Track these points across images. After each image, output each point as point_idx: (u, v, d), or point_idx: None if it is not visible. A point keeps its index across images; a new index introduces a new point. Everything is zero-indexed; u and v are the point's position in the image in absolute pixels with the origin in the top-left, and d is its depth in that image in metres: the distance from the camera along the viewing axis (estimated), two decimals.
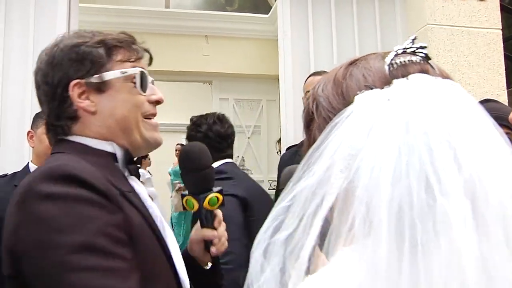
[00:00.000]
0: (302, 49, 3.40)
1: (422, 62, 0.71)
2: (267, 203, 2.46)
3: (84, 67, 1.18)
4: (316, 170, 0.66)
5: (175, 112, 7.76)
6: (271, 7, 5.61)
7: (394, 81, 0.68)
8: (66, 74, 1.18)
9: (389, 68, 0.70)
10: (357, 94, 0.69)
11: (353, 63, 0.76)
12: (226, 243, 1.35)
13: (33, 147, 2.56)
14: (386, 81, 0.69)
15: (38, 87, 1.23)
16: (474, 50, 3.37)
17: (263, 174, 5.84)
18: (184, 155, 1.34)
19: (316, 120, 0.75)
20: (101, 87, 1.19)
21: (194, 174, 1.30)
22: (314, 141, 0.69)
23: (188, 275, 1.28)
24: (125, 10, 5.36)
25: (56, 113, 1.20)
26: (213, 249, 1.32)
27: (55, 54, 1.20)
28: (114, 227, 0.99)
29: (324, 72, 2.91)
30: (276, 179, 3.03)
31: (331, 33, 3.43)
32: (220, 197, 1.31)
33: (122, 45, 1.22)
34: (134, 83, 1.21)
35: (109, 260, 0.95)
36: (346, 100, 0.71)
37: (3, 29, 2.98)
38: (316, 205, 0.65)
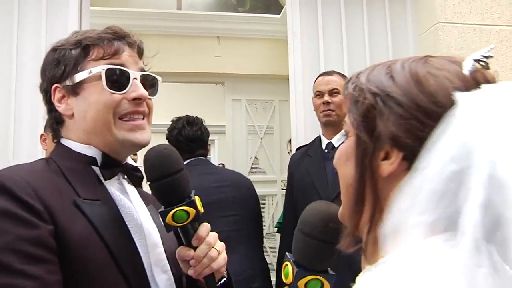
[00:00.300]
0: (312, 49, 3.38)
1: (483, 68, 0.78)
2: (216, 202, 2.64)
3: (59, 70, 1.17)
4: (434, 163, 0.70)
5: (188, 113, 7.77)
6: (282, 8, 5.60)
7: (483, 86, 0.74)
8: (48, 79, 1.20)
9: (470, 73, 0.77)
10: (451, 95, 0.74)
11: (416, 61, 0.81)
12: (216, 264, 1.16)
13: (46, 150, 2.60)
14: (469, 85, 0.75)
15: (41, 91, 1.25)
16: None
17: (276, 174, 5.83)
18: (143, 163, 1.14)
19: (385, 114, 0.77)
20: (75, 90, 1.16)
21: (153, 184, 1.12)
22: (382, 134, 0.76)
23: None
24: (136, 13, 5.39)
25: (49, 117, 1.23)
26: (190, 271, 1.15)
27: (43, 60, 1.22)
28: (27, 242, 0.93)
29: (334, 72, 2.91)
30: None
31: (341, 33, 3.42)
32: (192, 210, 1.11)
33: (97, 43, 1.17)
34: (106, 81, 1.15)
35: (11, 278, 0.90)
36: (435, 99, 0.75)
37: (15, 32, 3.02)
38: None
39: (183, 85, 8.48)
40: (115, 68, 1.16)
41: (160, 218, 1.11)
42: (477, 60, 0.78)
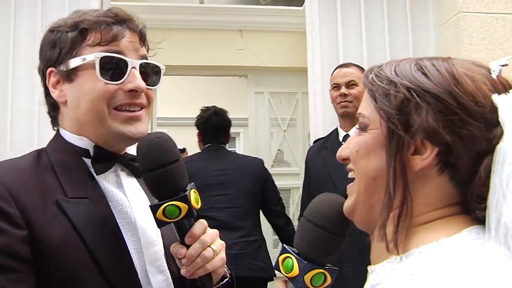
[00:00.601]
0: (331, 41, 3.36)
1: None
2: (215, 183, 3.14)
3: (54, 54, 1.10)
4: None
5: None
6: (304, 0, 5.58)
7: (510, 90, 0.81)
8: (44, 62, 1.13)
9: (497, 77, 0.83)
10: (489, 96, 0.79)
11: (445, 60, 0.84)
12: (211, 265, 1.07)
13: None
14: (498, 88, 0.81)
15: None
16: (510, 38, 3.25)
17: (299, 167, 5.83)
18: (136, 152, 1.08)
19: (422, 109, 0.79)
20: (70, 76, 1.09)
21: (144, 175, 1.05)
22: (417, 128, 0.79)
23: None
24: (158, 7, 5.43)
25: (45, 100, 1.17)
26: (182, 271, 1.07)
27: (42, 40, 1.15)
28: None
29: (351, 64, 2.89)
30: None
31: (360, 24, 3.38)
32: (184, 206, 1.02)
33: (95, 27, 1.08)
34: (101, 69, 1.07)
35: None
36: (476, 99, 0.78)
37: (40, 25, 3.07)
38: None
39: (207, 79, 8.54)
40: (111, 56, 1.07)
41: (151, 212, 1.03)
42: (502, 65, 0.83)
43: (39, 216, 0.96)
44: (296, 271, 0.93)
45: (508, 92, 0.81)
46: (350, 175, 0.94)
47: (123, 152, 1.17)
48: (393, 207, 0.82)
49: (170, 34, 5.66)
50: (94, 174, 1.09)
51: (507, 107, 0.78)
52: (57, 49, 1.09)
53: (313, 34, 3.35)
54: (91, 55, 1.06)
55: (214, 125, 3.45)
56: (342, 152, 0.94)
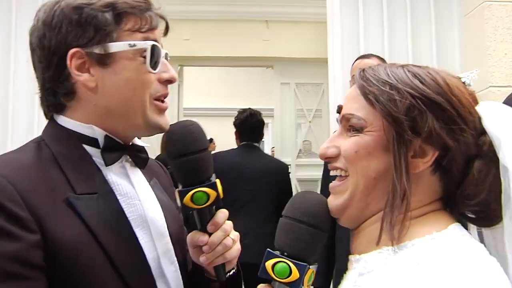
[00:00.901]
0: (352, 32, 3.33)
1: None
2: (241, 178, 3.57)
3: (86, 33, 1.00)
4: None
5: (237, 97, 7.87)
6: None
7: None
8: (64, 40, 1.01)
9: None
10: (474, 107, 0.91)
11: (424, 68, 0.93)
12: (229, 254, 1.08)
13: None
14: (473, 99, 0.92)
15: (32, 50, 1.06)
16: None
17: None
18: (166, 138, 1.07)
19: (428, 116, 0.86)
20: (104, 60, 1.01)
21: (175, 160, 1.05)
22: (422, 133, 0.86)
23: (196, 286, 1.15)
24: None
25: (51, 86, 1.04)
26: (202, 258, 1.06)
27: (54, 13, 1.02)
28: (5, 259, 0.86)
29: (372, 55, 2.86)
30: None
31: (382, 15, 3.34)
32: (212, 193, 1.03)
33: (133, 11, 1.02)
34: (144, 58, 1.02)
35: None
36: (469, 109, 0.89)
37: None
38: None
39: (233, 69, 8.58)
40: (156, 45, 1.04)
41: (178, 197, 1.03)
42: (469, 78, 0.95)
43: (50, 217, 0.92)
44: (296, 275, 0.91)
45: (477, 104, 0.92)
46: (335, 173, 0.96)
47: (131, 143, 1.13)
48: (396, 204, 0.87)
49: (197, 25, 5.71)
50: (100, 166, 1.04)
51: (490, 117, 0.90)
52: (90, 29, 1.00)
53: (334, 25, 3.33)
54: (142, 42, 1.02)
55: (249, 126, 3.89)
56: (328, 151, 0.96)
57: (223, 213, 1.08)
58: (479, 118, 0.90)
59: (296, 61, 5.81)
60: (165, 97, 1.09)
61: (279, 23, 5.79)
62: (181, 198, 1.02)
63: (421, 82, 0.89)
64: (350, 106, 0.93)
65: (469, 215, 0.93)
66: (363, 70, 0.96)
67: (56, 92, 1.05)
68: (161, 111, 1.07)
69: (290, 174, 4.12)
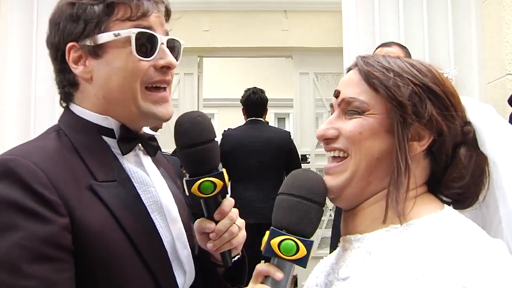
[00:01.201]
0: (367, 21, 3.33)
1: None
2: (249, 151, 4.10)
3: (78, 27, 1.04)
4: None
5: (261, 87, 7.86)
6: None
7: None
8: (63, 36, 1.06)
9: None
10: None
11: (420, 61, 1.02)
12: (236, 240, 1.12)
13: None
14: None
15: (47, 46, 1.14)
16: None
17: None
18: (174, 129, 1.10)
19: (427, 103, 0.94)
20: (96, 51, 1.05)
21: (183, 150, 1.08)
22: (422, 118, 0.93)
23: (203, 272, 1.19)
24: None
25: (59, 77, 1.11)
26: (209, 245, 1.11)
27: (56, 11, 1.09)
28: (37, 240, 0.89)
29: (393, 43, 2.83)
30: None
31: (398, 3, 3.32)
32: (219, 182, 1.07)
33: (123, 1, 1.04)
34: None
35: (16, 278, 0.86)
36: (458, 100, 0.99)
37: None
38: None
39: (252, 60, 8.60)
40: (145, 32, 1.04)
41: (186, 187, 1.07)
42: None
43: (77, 202, 0.96)
44: (303, 251, 0.92)
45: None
46: (333, 154, 1.00)
47: (143, 132, 1.17)
48: (401, 182, 0.93)
49: (216, 17, 5.74)
50: (117, 155, 1.09)
51: (472, 109, 1.00)
52: (81, 23, 1.04)
53: (349, 14, 3.33)
54: (126, 31, 1.03)
55: (252, 102, 4.40)
56: (328, 132, 1.00)
57: (229, 202, 1.11)
58: (464, 109, 1.00)
59: (315, 50, 5.79)
60: (166, 84, 1.10)
61: (298, 13, 5.77)
62: (189, 188, 1.06)
63: (419, 71, 0.97)
64: (351, 91, 0.98)
65: (444, 199, 1.00)
66: (364, 57, 1.01)
67: (64, 84, 1.11)
68: (158, 100, 1.08)
69: (293, 140, 4.61)
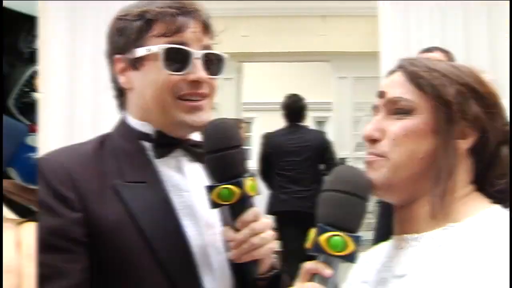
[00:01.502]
0: (403, 24, 3.36)
1: None
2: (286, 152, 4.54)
3: (121, 41, 1.14)
4: None
5: (295, 91, 7.91)
6: None
7: None
8: (111, 48, 1.17)
9: None
10: None
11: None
12: (257, 253, 1.07)
13: None
14: None
15: None
16: None
17: None
18: (201, 135, 1.12)
19: (472, 102, 0.96)
20: (135, 64, 1.13)
21: (205, 156, 1.09)
22: (468, 117, 0.96)
23: (243, 281, 1.16)
24: None
25: (112, 86, 1.21)
26: (229, 254, 1.08)
27: (109, 25, 1.19)
28: (47, 231, 0.95)
29: (436, 48, 2.82)
30: None
31: (433, 8, 3.34)
32: (237, 191, 1.03)
33: (161, 17, 1.10)
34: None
35: None
36: (498, 100, 1.01)
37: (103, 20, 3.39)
38: None
39: (291, 64, 8.66)
40: (175, 47, 1.10)
41: (206, 192, 1.06)
42: None
43: (96, 200, 1.02)
44: (352, 247, 0.91)
45: None
46: (372, 157, 1.01)
47: (187, 139, 1.17)
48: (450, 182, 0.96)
49: (255, 22, 5.85)
50: (153, 159, 1.12)
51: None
52: (123, 38, 1.13)
53: (386, 19, 3.37)
54: (156, 47, 1.09)
55: (291, 108, 4.76)
56: (375, 133, 1.00)
57: (252, 211, 1.07)
58: (504, 110, 1.01)
59: (352, 55, 5.82)
60: (198, 96, 1.13)
61: (335, 18, 5.82)
62: (208, 194, 1.05)
63: (461, 72, 0.99)
64: (396, 91, 0.99)
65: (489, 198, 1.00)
66: (409, 58, 1.04)
67: (116, 92, 1.21)
68: (189, 109, 1.11)
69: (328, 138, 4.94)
